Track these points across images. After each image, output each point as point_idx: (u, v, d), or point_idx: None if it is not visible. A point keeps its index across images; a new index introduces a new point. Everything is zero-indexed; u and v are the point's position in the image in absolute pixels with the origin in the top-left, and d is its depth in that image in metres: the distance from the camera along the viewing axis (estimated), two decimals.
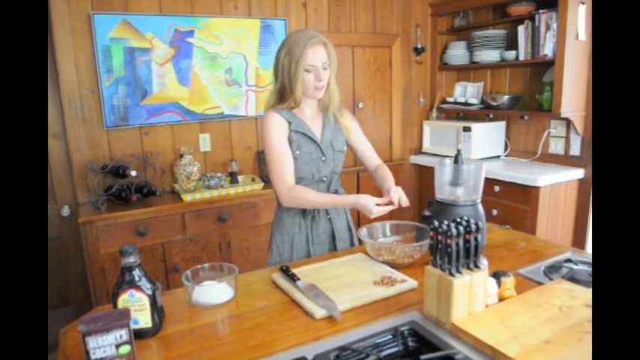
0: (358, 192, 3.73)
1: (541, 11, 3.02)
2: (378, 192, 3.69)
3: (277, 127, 1.69)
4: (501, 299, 1.22)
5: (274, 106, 1.73)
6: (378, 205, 1.60)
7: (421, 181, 3.99)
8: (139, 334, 1.13)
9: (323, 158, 1.77)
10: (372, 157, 1.93)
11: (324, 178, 1.79)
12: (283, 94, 1.70)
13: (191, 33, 2.95)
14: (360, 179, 3.72)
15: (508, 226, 1.95)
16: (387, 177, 1.82)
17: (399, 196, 1.65)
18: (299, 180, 1.74)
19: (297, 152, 1.72)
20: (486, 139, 3.53)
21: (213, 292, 1.33)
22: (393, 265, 1.53)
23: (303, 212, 1.79)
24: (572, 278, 1.35)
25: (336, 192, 1.83)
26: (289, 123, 1.71)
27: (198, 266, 1.41)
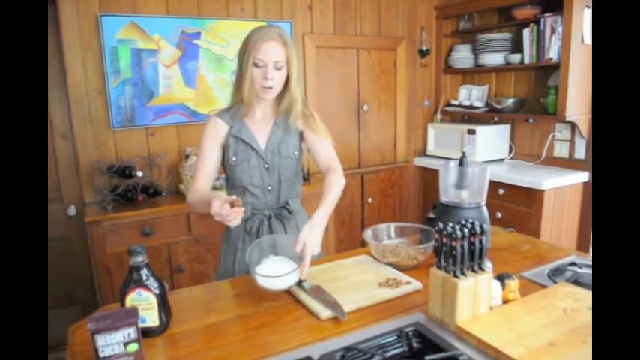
0: (363, 196, 3.76)
1: (546, 15, 3.02)
2: (383, 194, 3.71)
3: (211, 132, 1.63)
4: (505, 301, 1.23)
5: (231, 103, 1.65)
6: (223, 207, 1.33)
7: (425, 183, 4.00)
8: (146, 333, 1.14)
9: (265, 166, 1.64)
10: (324, 156, 1.66)
11: (269, 187, 1.65)
12: (236, 89, 1.61)
13: (197, 35, 2.97)
14: (364, 181, 3.73)
15: (512, 229, 1.96)
16: (326, 192, 1.53)
17: (304, 240, 1.35)
18: (243, 189, 1.65)
19: (234, 159, 1.62)
20: (491, 142, 3.53)
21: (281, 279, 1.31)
22: (398, 267, 1.54)
23: (245, 227, 1.65)
24: (577, 281, 1.35)
25: (286, 204, 1.68)
26: (230, 127, 1.62)
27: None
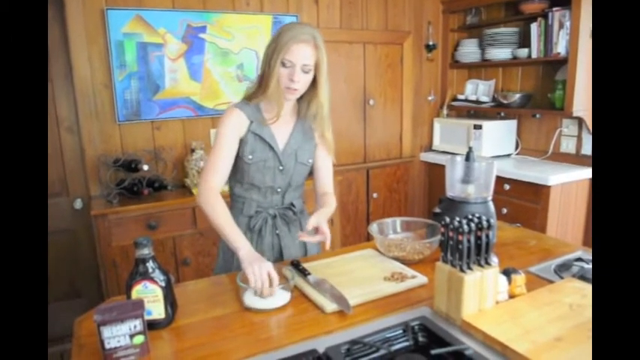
0: (368, 191, 3.76)
1: (554, 9, 3.00)
2: (389, 189, 3.70)
3: (232, 124, 1.53)
4: (512, 296, 1.22)
5: (249, 98, 1.58)
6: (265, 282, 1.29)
7: (431, 178, 3.98)
8: (152, 325, 1.14)
9: (280, 168, 1.60)
10: (324, 181, 1.70)
11: (279, 189, 1.63)
12: (260, 85, 1.54)
13: (203, 29, 2.97)
14: (370, 176, 3.72)
15: (518, 225, 1.95)
16: (325, 205, 1.60)
17: (317, 223, 1.43)
18: (250, 187, 1.60)
19: (250, 157, 1.55)
20: (497, 137, 3.51)
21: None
22: (404, 261, 1.54)
23: (249, 224, 1.63)
24: (583, 277, 1.35)
25: (292, 205, 1.68)
26: (250, 122, 1.55)
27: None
